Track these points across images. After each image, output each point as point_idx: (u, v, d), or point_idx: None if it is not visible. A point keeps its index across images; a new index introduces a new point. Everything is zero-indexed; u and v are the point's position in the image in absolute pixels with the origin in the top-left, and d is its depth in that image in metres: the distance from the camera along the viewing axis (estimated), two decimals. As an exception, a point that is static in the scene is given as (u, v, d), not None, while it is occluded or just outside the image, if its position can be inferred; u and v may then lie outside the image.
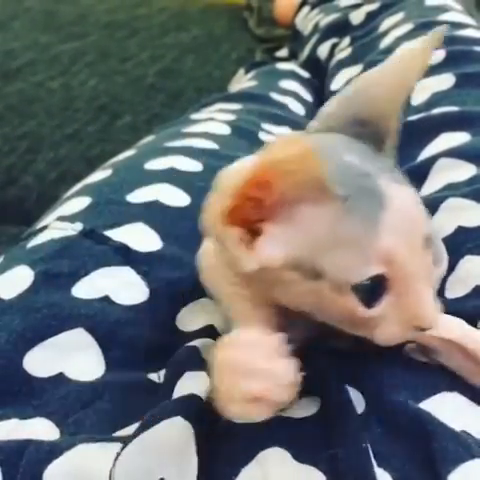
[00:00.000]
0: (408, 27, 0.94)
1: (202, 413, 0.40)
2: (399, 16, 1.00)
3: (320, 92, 1.05)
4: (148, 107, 1.25)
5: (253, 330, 0.38)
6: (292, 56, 1.24)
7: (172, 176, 0.67)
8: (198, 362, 0.45)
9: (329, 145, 0.40)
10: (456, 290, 0.56)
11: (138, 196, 0.62)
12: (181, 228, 0.60)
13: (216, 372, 0.37)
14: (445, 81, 0.80)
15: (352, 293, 0.37)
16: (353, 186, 0.37)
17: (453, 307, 0.49)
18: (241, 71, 1.17)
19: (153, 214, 0.60)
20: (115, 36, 1.46)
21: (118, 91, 1.28)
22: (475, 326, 0.49)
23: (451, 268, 0.59)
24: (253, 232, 0.38)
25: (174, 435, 0.39)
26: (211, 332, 0.50)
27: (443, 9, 0.97)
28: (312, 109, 1.00)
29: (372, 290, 0.38)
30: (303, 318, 0.42)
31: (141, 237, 0.58)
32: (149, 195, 0.63)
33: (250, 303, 0.44)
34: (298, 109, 0.98)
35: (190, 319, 0.53)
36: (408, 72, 0.42)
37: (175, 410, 0.40)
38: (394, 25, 0.98)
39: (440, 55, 0.85)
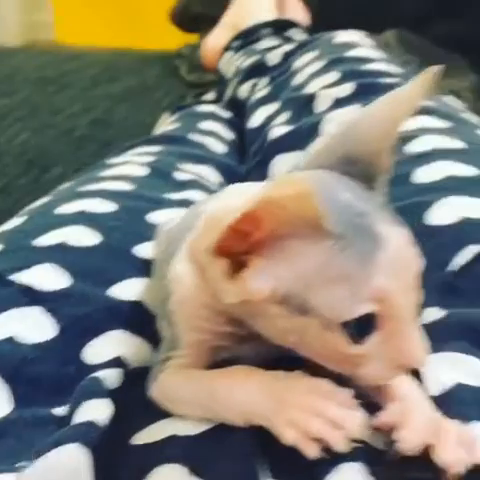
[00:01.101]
0: (320, 64, 0.98)
1: (96, 438, 0.41)
2: (311, 54, 1.03)
3: (241, 131, 1.06)
4: (78, 158, 1.25)
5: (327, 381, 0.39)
6: (219, 99, 1.26)
7: (82, 218, 0.67)
8: (97, 392, 0.46)
9: (324, 182, 0.39)
10: None
11: (46, 240, 0.63)
12: (89, 265, 0.61)
13: (283, 397, 0.39)
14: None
15: (341, 330, 0.37)
16: (349, 225, 0.37)
17: None
18: (166, 115, 1.18)
19: (61, 255, 0.61)
20: (46, 91, 1.46)
21: (48, 144, 1.28)
22: None
23: None
24: (238, 264, 0.38)
25: (67, 461, 0.39)
26: (118, 363, 0.51)
27: (351, 45, 1.00)
28: (233, 147, 1.02)
29: (361, 327, 0.38)
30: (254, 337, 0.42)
31: (48, 277, 0.58)
32: (57, 238, 0.63)
33: (211, 325, 0.45)
34: (218, 148, 1.00)
35: (97, 352, 0.53)
36: (398, 111, 0.42)
37: (71, 437, 0.40)
38: (307, 63, 1.01)
39: (350, 88, 0.88)
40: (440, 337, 0.49)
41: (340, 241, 0.36)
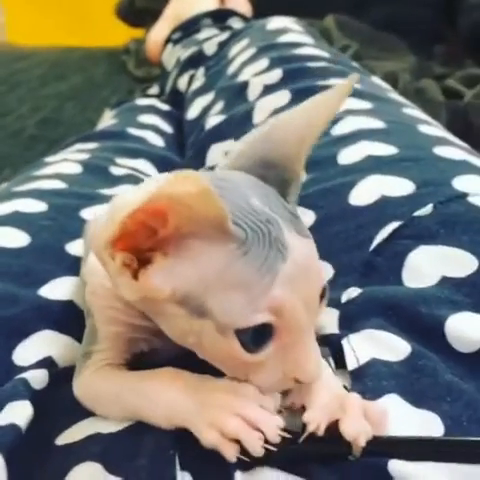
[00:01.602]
0: (251, 52, 0.99)
1: (16, 441, 0.41)
2: (244, 42, 1.04)
3: (181, 123, 1.07)
4: (28, 158, 1.25)
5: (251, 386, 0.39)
6: (162, 92, 1.27)
7: (13, 219, 0.67)
8: (23, 392, 0.46)
9: (236, 185, 0.39)
10: None
11: None
12: (18, 266, 0.60)
13: (206, 399, 0.39)
14: (282, 98, 0.84)
15: (235, 337, 0.37)
16: (254, 231, 0.37)
17: None
18: (107, 111, 1.19)
19: None
20: (-5, 91, 1.47)
21: (-2, 146, 1.28)
22: None
23: None
24: (143, 261, 0.37)
25: None
26: (48, 363, 0.51)
27: (282, 31, 1.01)
28: (172, 140, 1.03)
29: (257, 337, 0.37)
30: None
31: None
32: None
33: (124, 317, 0.45)
34: (157, 141, 1.00)
35: (27, 353, 0.53)
36: (315, 118, 0.43)
37: None
38: (240, 51, 1.02)
39: (277, 74, 0.89)
40: (353, 315, 0.51)
41: (242, 246, 0.36)
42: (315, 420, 0.39)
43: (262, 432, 0.37)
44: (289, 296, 0.37)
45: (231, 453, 0.36)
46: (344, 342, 0.48)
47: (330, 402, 0.40)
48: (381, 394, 0.43)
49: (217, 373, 0.41)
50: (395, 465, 0.38)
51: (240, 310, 0.36)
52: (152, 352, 0.47)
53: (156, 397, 0.42)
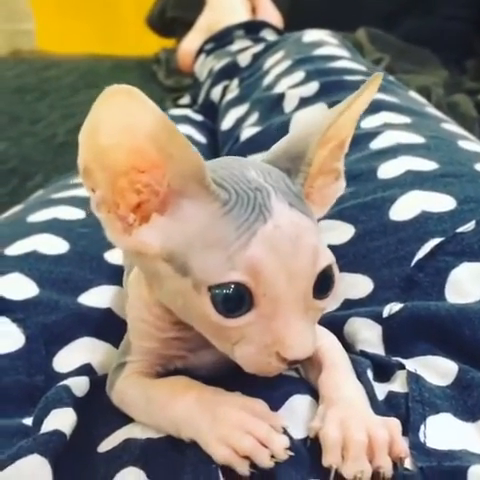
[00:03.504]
0: (287, 64, 0.99)
1: (62, 448, 0.42)
2: (279, 55, 1.04)
3: (215, 133, 1.08)
4: (58, 165, 1.26)
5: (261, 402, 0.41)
6: (194, 102, 1.28)
7: (53, 226, 0.68)
8: (66, 399, 0.46)
9: (239, 163, 0.42)
10: (330, 305, 0.58)
11: (16, 248, 0.64)
12: (58, 273, 0.61)
13: (217, 414, 0.40)
14: (319, 110, 0.84)
15: (208, 295, 0.37)
16: (239, 194, 0.38)
17: (326, 317, 0.52)
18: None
19: (29, 263, 0.61)
20: (25, 99, 1.48)
21: (28, 153, 1.29)
22: (342, 331, 0.53)
23: None
24: (144, 218, 0.40)
25: (26, 473, 0.40)
26: (87, 370, 0.52)
27: (318, 44, 1.02)
28: (206, 150, 1.03)
29: (232, 299, 0.37)
30: (205, 346, 0.43)
31: (16, 286, 0.59)
32: (27, 246, 0.64)
33: (156, 331, 0.46)
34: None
35: (67, 360, 0.53)
36: (331, 112, 0.43)
37: (31, 448, 0.41)
38: (275, 63, 1.02)
39: (314, 87, 0.89)
40: (398, 337, 0.51)
41: (225, 206, 0.38)
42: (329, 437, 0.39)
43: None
44: (267, 258, 0.37)
45: (245, 469, 0.38)
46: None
47: (350, 421, 0.40)
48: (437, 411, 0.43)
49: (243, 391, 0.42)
50: None
51: (216, 267, 0.37)
52: (186, 370, 0.47)
53: (167, 404, 0.43)
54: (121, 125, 0.36)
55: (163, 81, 1.58)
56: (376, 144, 0.73)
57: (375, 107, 0.79)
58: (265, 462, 0.38)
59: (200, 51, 1.30)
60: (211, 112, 1.13)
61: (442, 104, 1.15)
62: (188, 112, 1.16)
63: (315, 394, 0.45)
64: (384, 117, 0.78)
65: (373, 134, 0.75)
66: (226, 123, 1.02)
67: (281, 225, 0.38)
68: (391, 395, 0.46)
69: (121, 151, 0.37)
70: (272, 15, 1.43)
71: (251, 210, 0.38)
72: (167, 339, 0.46)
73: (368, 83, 0.42)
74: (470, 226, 0.57)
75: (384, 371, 0.48)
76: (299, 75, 0.94)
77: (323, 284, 0.40)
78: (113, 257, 0.65)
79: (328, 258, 0.40)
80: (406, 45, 1.42)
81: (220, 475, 0.39)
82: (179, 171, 0.38)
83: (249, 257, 0.37)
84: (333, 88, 0.87)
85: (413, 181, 0.65)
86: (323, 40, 1.05)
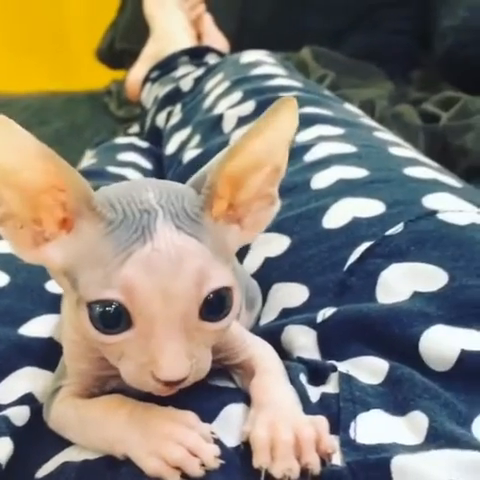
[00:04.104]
0: (225, 85, 1.00)
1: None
2: (219, 77, 1.05)
3: (161, 159, 1.08)
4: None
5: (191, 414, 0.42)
6: (143, 130, 1.28)
7: None
8: (3, 429, 0.46)
9: (141, 184, 0.42)
10: (268, 316, 0.60)
11: None
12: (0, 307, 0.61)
13: (148, 427, 0.41)
14: None
15: (86, 311, 0.38)
16: (126, 215, 0.39)
17: (264, 328, 0.53)
18: (88, 151, 1.19)
19: None
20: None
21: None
22: (279, 340, 0.54)
23: (264, 299, 0.62)
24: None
25: None
26: (28, 400, 0.51)
27: (254, 64, 1.03)
28: (152, 176, 1.02)
29: (109, 317, 0.38)
30: None
31: None
32: None
33: (86, 351, 0.46)
34: (137, 177, 1.01)
35: (8, 390, 0.53)
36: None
37: None
38: (214, 85, 1.04)
39: (251, 106, 0.90)
40: (331, 338, 0.52)
41: (109, 226, 0.39)
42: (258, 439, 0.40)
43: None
44: (141, 278, 0.38)
45: (176, 479, 0.38)
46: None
47: (278, 422, 0.40)
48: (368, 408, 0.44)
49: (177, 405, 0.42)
50: None
51: (94, 284, 0.38)
52: (124, 389, 0.46)
53: (101, 424, 0.43)
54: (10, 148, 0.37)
55: (115, 112, 1.58)
56: (310, 156, 0.74)
57: (310, 121, 0.81)
58: (195, 471, 0.38)
59: (146, 79, 1.31)
60: (157, 138, 1.14)
61: (386, 115, 1.17)
62: (134, 140, 1.17)
63: (250, 402, 0.45)
64: (318, 130, 0.79)
65: (307, 147, 0.76)
66: (170, 147, 1.03)
67: (160, 247, 0.38)
68: (324, 397, 0.46)
69: (36, 171, 0.38)
70: (217, 40, 1.44)
71: (134, 231, 0.38)
72: (98, 359, 0.45)
73: (277, 105, 0.42)
74: (398, 228, 0.58)
75: (319, 375, 0.49)
76: (237, 95, 0.95)
77: (215, 306, 0.40)
78: (54, 286, 0.64)
79: (221, 281, 0.39)
80: (351, 61, 1.44)
81: None
82: (71, 193, 0.39)
83: (123, 276, 0.38)
84: (269, 106, 0.87)
85: (344, 189, 0.66)
86: (260, 60, 1.06)
